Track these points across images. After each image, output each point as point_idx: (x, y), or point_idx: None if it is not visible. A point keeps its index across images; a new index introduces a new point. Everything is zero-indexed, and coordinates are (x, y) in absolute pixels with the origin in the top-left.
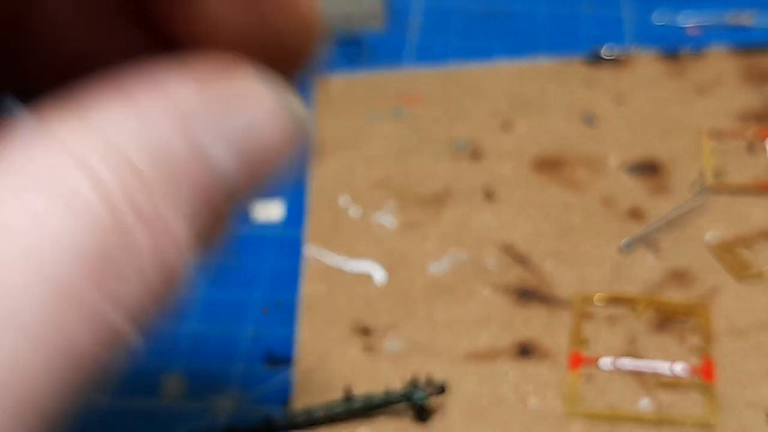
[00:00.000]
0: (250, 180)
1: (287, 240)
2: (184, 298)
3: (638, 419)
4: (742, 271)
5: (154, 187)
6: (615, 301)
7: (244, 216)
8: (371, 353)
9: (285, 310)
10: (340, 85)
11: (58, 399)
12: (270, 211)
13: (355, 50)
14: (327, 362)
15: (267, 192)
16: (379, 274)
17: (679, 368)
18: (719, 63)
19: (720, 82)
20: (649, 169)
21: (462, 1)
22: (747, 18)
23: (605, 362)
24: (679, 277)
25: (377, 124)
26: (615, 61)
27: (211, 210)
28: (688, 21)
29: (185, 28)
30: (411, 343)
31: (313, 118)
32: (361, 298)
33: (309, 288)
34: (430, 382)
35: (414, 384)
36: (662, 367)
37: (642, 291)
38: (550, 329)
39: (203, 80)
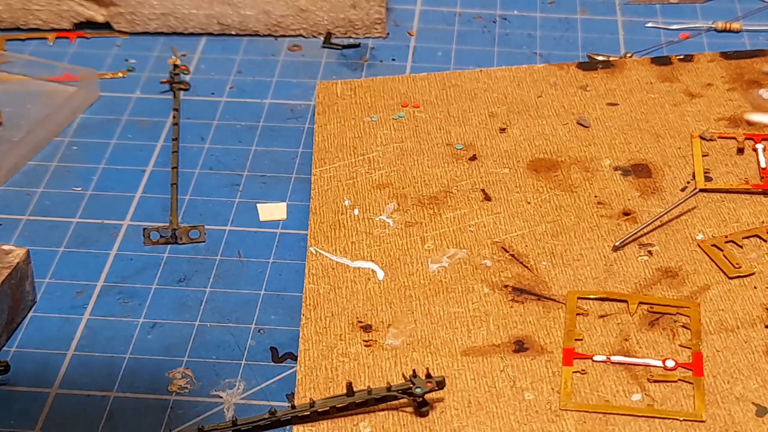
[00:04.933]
0: None
1: (291, 239)
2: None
3: (630, 413)
4: (731, 270)
5: None
6: (608, 298)
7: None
8: (372, 349)
9: (289, 307)
10: (343, 90)
11: None
12: (275, 212)
13: (358, 56)
14: (329, 358)
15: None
16: (380, 273)
17: (670, 364)
18: (710, 68)
19: (710, 87)
20: (641, 171)
21: (460, 8)
22: (737, 24)
23: (598, 358)
24: (671, 275)
25: (378, 128)
26: (609, 66)
27: None
28: (680, 27)
29: None
30: (411, 339)
31: None
32: (362, 295)
33: (312, 286)
34: (429, 377)
35: (413, 379)
36: (654, 362)
37: (634, 289)
38: (545, 326)
39: None
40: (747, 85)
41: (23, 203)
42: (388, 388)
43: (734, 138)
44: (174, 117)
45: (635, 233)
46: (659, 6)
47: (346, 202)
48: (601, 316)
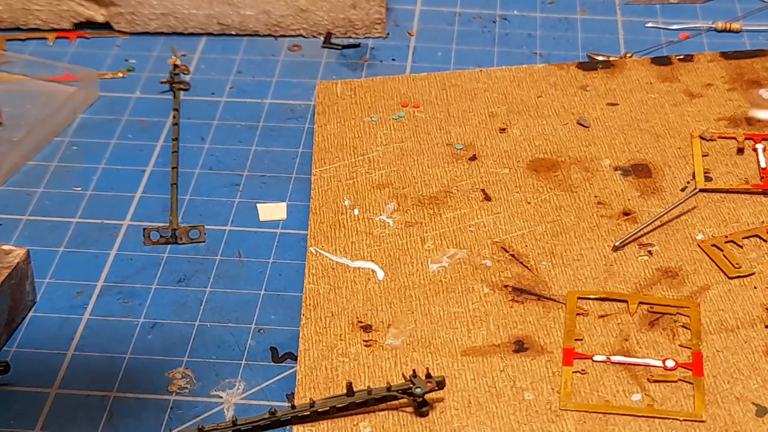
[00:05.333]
0: None
1: (291, 239)
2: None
3: (630, 413)
4: (731, 270)
5: None
6: (608, 298)
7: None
8: (372, 349)
9: (289, 307)
10: (343, 90)
11: None
12: (275, 212)
13: (358, 56)
14: (329, 358)
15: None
16: (380, 273)
17: (670, 364)
18: (710, 68)
19: (710, 87)
20: (641, 171)
21: (460, 8)
22: (737, 24)
23: (598, 358)
24: (671, 275)
25: (378, 128)
26: (609, 66)
27: None
28: (680, 27)
29: None
30: (411, 339)
31: None
32: (362, 295)
33: (312, 286)
34: (429, 377)
35: (413, 379)
36: (654, 362)
37: (634, 289)
38: (545, 326)
39: None
40: (747, 85)
41: (23, 203)
42: (388, 388)
43: (734, 138)
44: (174, 117)
45: (635, 233)
46: (659, 6)
47: (346, 202)
48: (601, 316)
